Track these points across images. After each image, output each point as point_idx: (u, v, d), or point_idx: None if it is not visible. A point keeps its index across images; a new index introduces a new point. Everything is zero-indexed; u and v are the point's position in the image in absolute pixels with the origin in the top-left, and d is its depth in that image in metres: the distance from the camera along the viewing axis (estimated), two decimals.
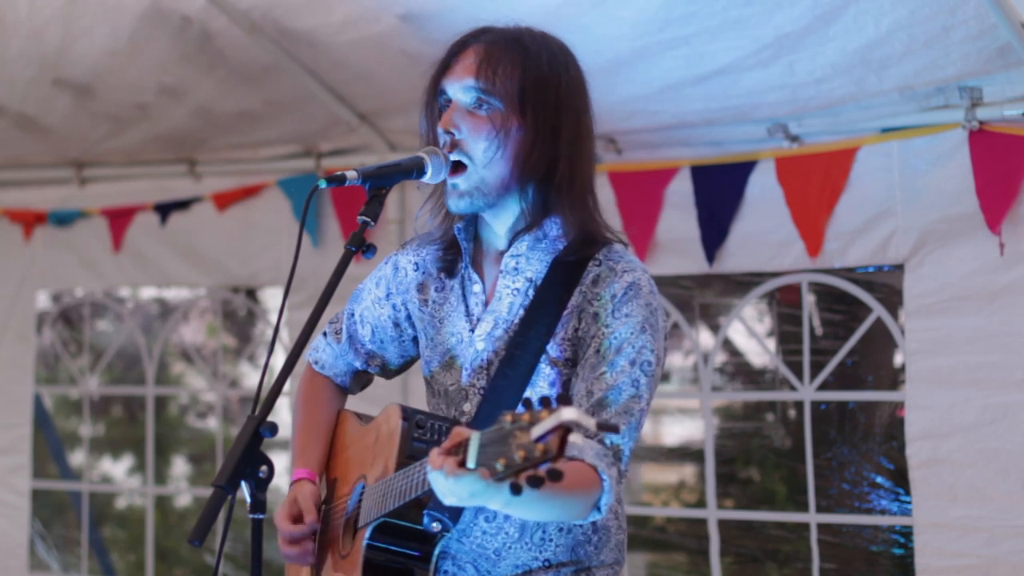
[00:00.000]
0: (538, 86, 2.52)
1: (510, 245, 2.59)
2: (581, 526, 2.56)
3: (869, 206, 4.05)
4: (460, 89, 2.55)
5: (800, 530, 4.41)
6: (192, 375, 7.68)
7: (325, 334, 2.88)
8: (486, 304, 2.61)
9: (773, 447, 5.54)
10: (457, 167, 2.54)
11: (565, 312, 2.51)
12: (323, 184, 2.47)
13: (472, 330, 2.61)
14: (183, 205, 5.45)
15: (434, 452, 2.12)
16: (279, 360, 4.80)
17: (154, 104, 5.07)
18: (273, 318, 6.44)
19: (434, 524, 2.48)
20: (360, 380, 2.92)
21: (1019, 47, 3.50)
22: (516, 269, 2.58)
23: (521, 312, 2.56)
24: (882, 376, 4.91)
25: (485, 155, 2.52)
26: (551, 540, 2.56)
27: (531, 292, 2.56)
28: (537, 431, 1.92)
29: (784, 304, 4.86)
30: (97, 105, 5.13)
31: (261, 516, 2.33)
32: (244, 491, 2.31)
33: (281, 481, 5.36)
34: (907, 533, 4.19)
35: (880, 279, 4.31)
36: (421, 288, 2.72)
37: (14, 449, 5.86)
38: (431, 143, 2.59)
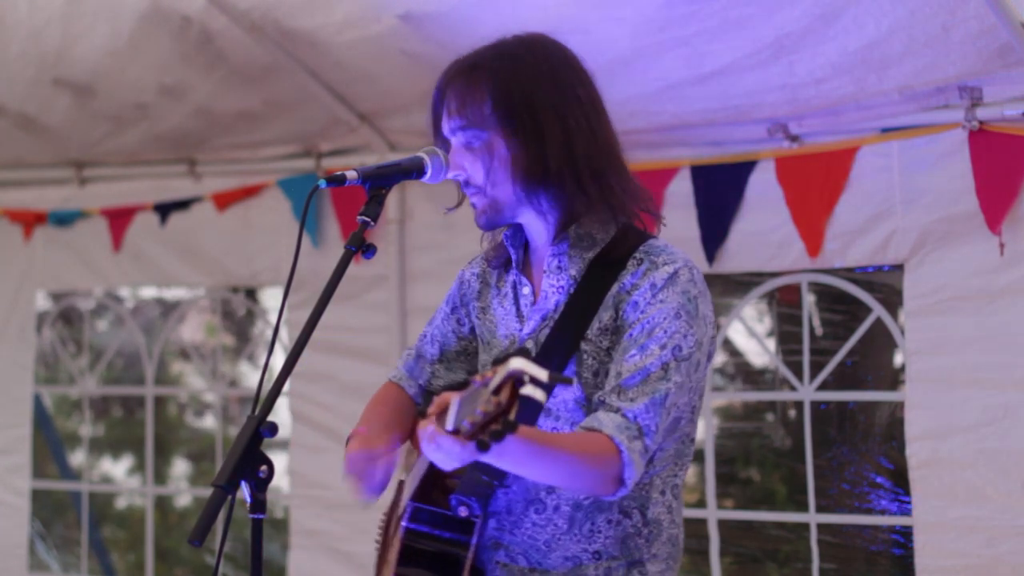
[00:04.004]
0: (504, 99, 2.56)
1: (551, 246, 2.63)
2: (630, 518, 2.58)
3: (869, 206, 4.05)
4: (450, 132, 2.63)
5: (800, 530, 4.41)
6: (191, 375, 7.69)
7: (402, 357, 2.95)
8: (534, 304, 2.66)
9: (773, 447, 5.55)
10: (475, 194, 2.62)
11: (602, 303, 2.55)
12: (323, 184, 2.48)
13: (521, 329, 2.66)
14: (183, 205, 5.44)
15: (422, 421, 2.21)
16: (279, 360, 4.80)
17: (154, 104, 5.07)
18: (273, 318, 6.45)
19: (461, 509, 2.51)
20: (430, 399, 2.94)
21: (1019, 47, 3.50)
22: (559, 267, 2.62)
23: (562, 306, 2.60)
24: (882, 376, 4.91)
25: (487, 181, 2.58)
26: (600, 532, 2.58)
27: (572, 288, 2.60)
28: (491, 384, 1.98)
29: (784, 304, 4.86)
30: (97, 105, 5.13)
31: (261, 516, 2.33)
32: (244, 491, 2.31)
33: (281, 481, 5.37)
34: (907, 533, 4.18)
35: (880, 279, 4.31)
36: (480, 296, 2.78)
37: (14, 449, 5.86)
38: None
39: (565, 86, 2.59)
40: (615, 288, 2.55)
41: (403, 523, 2.58)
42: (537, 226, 2.65)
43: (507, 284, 2.72)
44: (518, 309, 2.68)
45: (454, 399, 2.14)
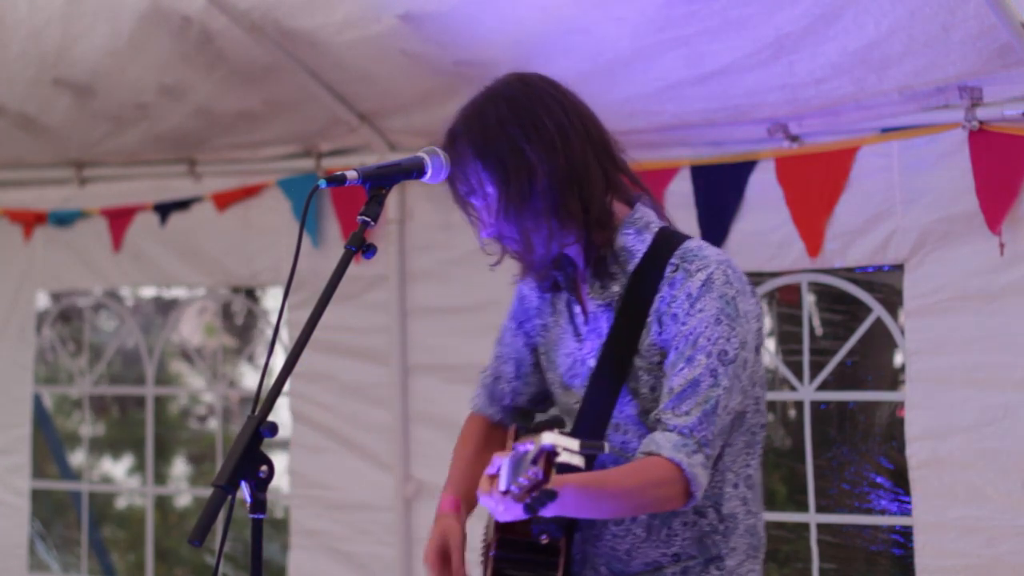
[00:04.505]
0: (488, 154, 2.64)
1: (587, 270, 2.72)
2: (705, 517, 2.66)
3: (869, 206, 4.05)
4: (467, 198, 2.73)
5: (800, 530, 4.41)
6: (191, 375, 7.69)
7: (479, 381, 3.04)
8: (586, 323, 2.73)
9: (773, 447, 5.54)
10: (508, 245, 2.72)
11: (648, 319, 2.62)
12: (323, 184, 2.50)
13: (580, 349, 2.74)
14: (183, 205, 5.44)
15: (483, 477, 2.41)
16: (279, 360, 4.80)
17: (154, 104, 5.07)
18: (273, 318, 6.45)
19: (542, 536, 2.64)
20: (519, 416, 3.00)
21: (1019, 47, 3.50)
22: (602, 288, 2.69)
23: (611, 327, 2.67)
24: (882, 376, 4.91)
25: (505, 229, 2.68)
26: (677, 535, 2.67)
27: (617, 306, 2.67)
28: (529, 456, 2.18)
29: (784, 304, 4.86)
30: (97, 105, 5.13)
31: (261, 516, 2.33)
32: (244, 491, 2.31)
33: (281, 481, 5.37)
34: (907, 533, 4.18)
35: (880, 279, 4.31)
36: (539, 313, 2.87)
37: (14, 449, 5.86)
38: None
39: (526, 122, 2.65)
40: (656, 302, 2.62)
41: (492, 552, 2.70)
42: (573, 251, 2.73)
43: (561, 302, 2.80)
44: (575, 328, 2.75)
45: (505, 461, 2.31)
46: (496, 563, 2.68)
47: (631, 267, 2.66)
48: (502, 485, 2.29)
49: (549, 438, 2.14)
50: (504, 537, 2.67)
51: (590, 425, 2.62)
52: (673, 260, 2.63)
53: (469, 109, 2.71)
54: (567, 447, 2.14)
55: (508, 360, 2.94)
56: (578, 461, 2.15)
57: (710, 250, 2.66)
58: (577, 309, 2.74)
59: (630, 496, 2.50)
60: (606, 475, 2.56)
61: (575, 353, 2.73)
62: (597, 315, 2.69)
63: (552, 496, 2.17)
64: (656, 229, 2.70)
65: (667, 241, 2.68)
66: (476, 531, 2.95)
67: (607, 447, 2.23)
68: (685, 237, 2.71)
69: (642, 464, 2.52)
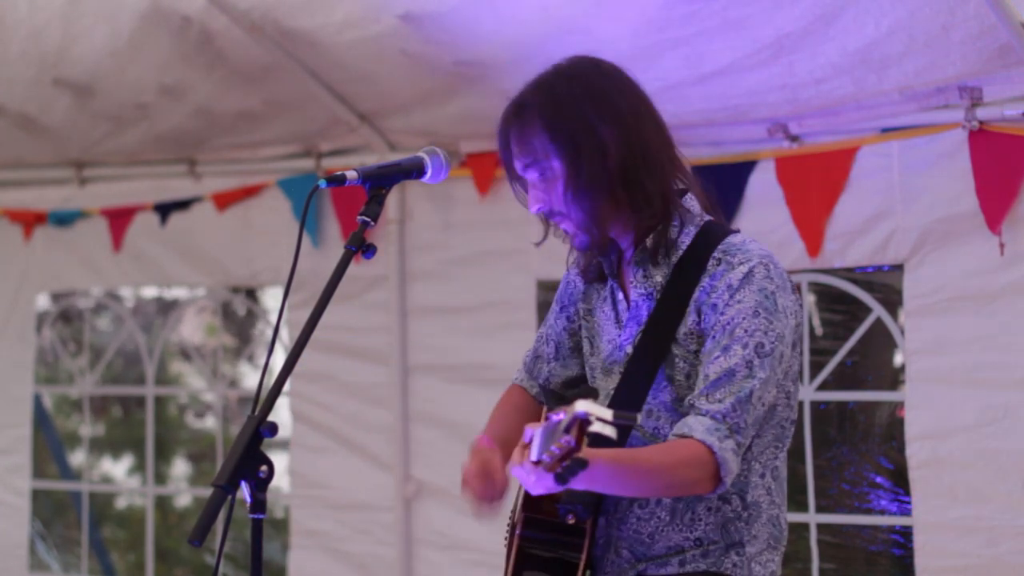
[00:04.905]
0: (560, 128, 2.64)
1: (632, 259, 2.73)
2: (729, 503, 2.68)
3: (869, 206, 4.05)
4: (523, 171, 2.71)
5: (800, 530, 4.41)
6: (192, 375, 7.69)
7: (523, 358, 3.05)
8: (627, 310, 2.75)
9: None
10: (563, 222, 2.71)
11: (688, 308, 2.65)
12: (323, 184, 2.50)
13: (620, 335, 2.75)
14: (183, 205, 5.44)
15: (516, 449, 2.39)
16: (279, 360, 4.80)
17: (154, 104, 5.07)
18: (273, 318, 6.45)
19: (569, 516, 2.63)
20: (552, 397, 3.00)
21: (1019, 47, 3.50)
22: (645, 276, 2.71)
23: (650, 314, 2.69)
24: (882, 376, 4.91)
25: (567, 207, 2.66)
26: (700, 520, 2.68)
27: (659, 294, 2.69)
28: (562, 424, 2.17)
29: None
30: (97, 105, 5.13)
31: (261, 516, 2.33)
32: (244, 491, 2.31)
33: (281, 481, 5.37)
34: (907, 533, 4.19)
35: (880, 279, 4.31)
36: (585, 298, 2.87)
37: (14, 449, 5.86)
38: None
39: (600, 101, 2.68)
40: (696, 292, 2.64)
41: (517, 531, 2.70)
42: (622, 238, 2.74)
43: (606, 289, 2.81)
44: (617, 315, 2.77)
45: (538, 431, 2.30)
46: (521, 541, 2.69)
47: (675, 258, 2.69)
48: (534, 455, 2.29)
49: (583, 405, 2.13)
50: (531, 516, 2.68)
51: (624, 410, 2.64)
52: (716, 253, 2.66)
53: (540, 84, 2.71)
54: (600, 416, 2.13)
55: (549, 341, 2.96)
56: (610, 432, 2.14)
57: (753, 245, 2.68)
58: (620, 296, 2.76)
59: (660, 474, 2.52)
60: (638, 451, 2.58)
61: (616, 339, 2.76)
62: (639, 303, 2.71)
63: (583, 464, 2.18)
64: (702, 222, 2.73)
65: (712, 234, 2.70)
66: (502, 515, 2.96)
67: (639, 418, 2.22)
68: (730, 231, 2.73)
69: (674, 444, 2.54)
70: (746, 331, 2.57)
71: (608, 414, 2.13)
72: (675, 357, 2.65)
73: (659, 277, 2.70)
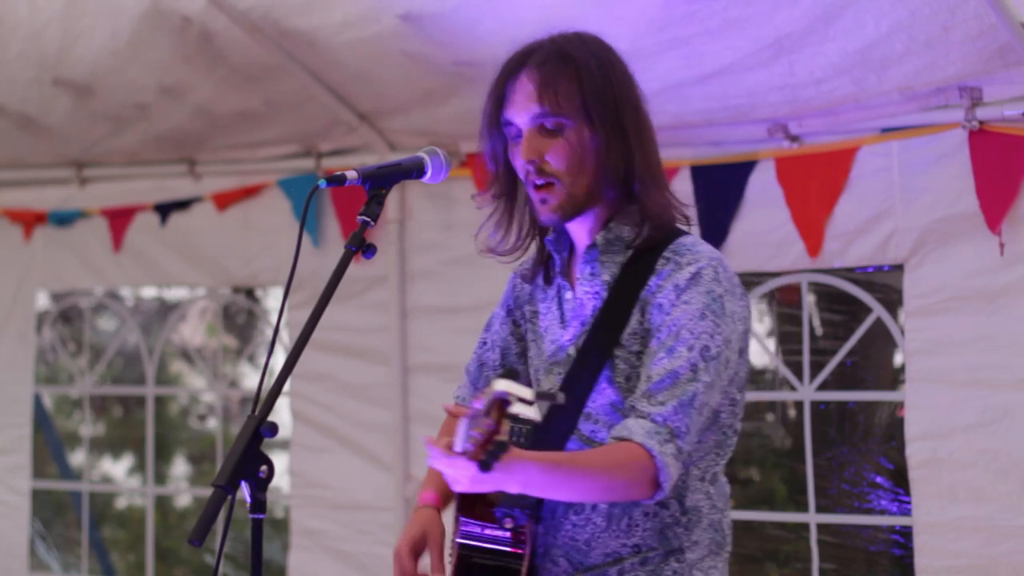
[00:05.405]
0: (596, 93, 2.60)
1: (584, 254, 2.66)
2: (667, 508, 2.58)
3: (869, 206, 4.05)
4: (528, 118, 2.60)
5: (800, 530, 4.41)
6: (192, 375, 7.70)
7: (466, 369, 2.95)
8: (572, 309, 2.69)
9: (773, 447, 5.55)
10: (546, 186, 2.61)
11: (634, 308, 2.57)
12: (323, 184, 2.49)
13: (563, 335, 2.68)
14: (183, 205, 5.44)
15: (437, 439, 2.27)
16: (279, 360, 4.80)
17: (154, 104, 5.07)
18: (273, 318, 6.45)
19: (507, 520, 2.53)
20: None
21: (1019, 47, 3.50)
22: (592, 274, 2.64)
23: (597, 312, 2.62)
24: (882, 376, 4.92)
25: (569, 173, 2.58)
26: (638, 525, 2.59)
27: (605, 293, 2.62)
28: (482, 408, 2.05)
29: (784, 304, 4.87)
30: (97, 105, 5.13)
31: (261, 516, 2.33)
32: (244, 491, 2.31)
33: (281, 481, 5.37)
34: (907, 533, 4.19)
35: (880, 279, 4.31)
36: (531, 300, 2.80)
37: (14, 449, 5.86)
38: (501, 172, 2.70)
39: (639, 96, 2.67)
40: (642, 291, 2.57)
41: (456, 539, 2.59)
42: (581, 230, 2.67)
43: (552, 288, 2.75)
44: (562, 315, 2.70)
45: (461, 421, 2.17)
46: (462, 550, 2.57)
47: (623, 257, 2.63)
48: (457, 446, 2.16)
49: (501, 385, 2.02)
50: (468, 521, 2.57)
51: (563, 411, 2.56)
52: (666, 253, 2.59)
53: (581, 41, 2.68)
54: (520, 396, 2.02)
55: (494, 347, 2.88)
56: (532, 414, 2.04)
57: (704, 247, 2.62)
58: (567, 295, 2.69)
59: (597, 477, 2.42)
60: (575, 454, 2.51)
61: (558, 339, 2.69)
62: (583, 301, 2.65)
63: (504, 447, 2.08)
64: (655, 222, 2.66)
65: (663, 235, 2.64)
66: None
67: (562, 398, 2.16)
68: (681, 232, 2.67)
69: (612, 447, 2.45)
70: (692, 333, 2.49)
71: (528, 393, 2.02)
72: (617, 359, 2.57)
73: (606, 276, 2.63)
